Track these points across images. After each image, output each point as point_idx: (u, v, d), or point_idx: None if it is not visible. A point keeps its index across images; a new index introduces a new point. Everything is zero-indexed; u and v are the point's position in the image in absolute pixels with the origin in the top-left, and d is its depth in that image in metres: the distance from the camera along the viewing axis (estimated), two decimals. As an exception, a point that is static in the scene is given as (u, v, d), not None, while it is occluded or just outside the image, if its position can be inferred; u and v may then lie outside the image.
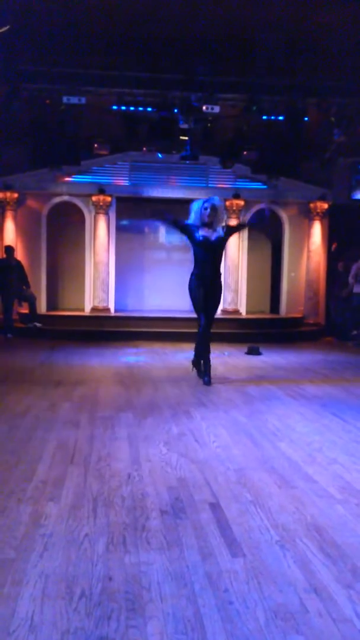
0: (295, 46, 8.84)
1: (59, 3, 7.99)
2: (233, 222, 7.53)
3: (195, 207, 6.99)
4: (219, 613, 2.29)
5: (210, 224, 6.90)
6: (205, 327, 7.07)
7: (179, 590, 2.44)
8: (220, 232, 6.96)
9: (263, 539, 2.93)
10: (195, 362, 7.32)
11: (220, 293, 7.31)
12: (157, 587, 2.46)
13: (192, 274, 7.11)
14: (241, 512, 3.26)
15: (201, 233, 6.92)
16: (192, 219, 6.99)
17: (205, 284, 7.02)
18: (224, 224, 7.04)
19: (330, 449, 4.46)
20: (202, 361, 7.18)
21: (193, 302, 7.11)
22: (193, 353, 7.37)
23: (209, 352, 7.15)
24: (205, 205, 6.90)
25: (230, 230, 7.25)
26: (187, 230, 7.02)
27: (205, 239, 6.92)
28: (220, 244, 7.05)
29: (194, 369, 7.34)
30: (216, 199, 7.09)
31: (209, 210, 6.86)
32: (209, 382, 6.96)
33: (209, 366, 7.11)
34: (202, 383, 6.99)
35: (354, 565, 2.67)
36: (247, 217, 7.35)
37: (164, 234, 14.29)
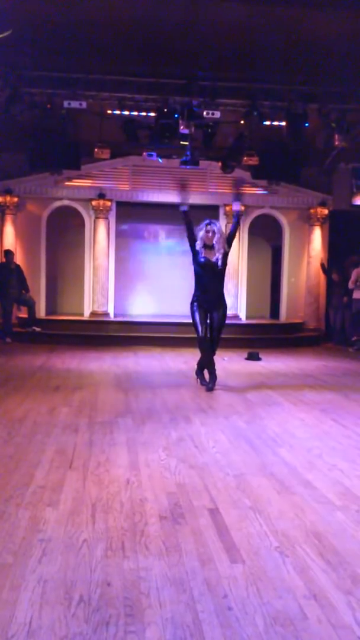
0: (296, 52, 8.84)
1: (59, 8, 8.00)
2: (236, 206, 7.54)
3: (199, 234, 7.02)
4: (218, 619, 2.28)
5: (211, 247, 6.97)
6: (212, 347, 7.14)
7: (178, 596, 2.43)
8: (219, 255, 6.98)
9: (262, 545, 2.92)
10: (198, 373, 7.36)
11: (225, 315, 7.25)
12: (156, 593, 2.45)
13: (193, 298, 7.13)
14: (240, 517, 3.25)
15: (203, 255, 7.00)
16: (198, 245, 7.02)
17: (209, 307, 7.06)
18: (223, 250, 7.01)
19: (330, 455, 4.45)
20: (204, 371, 7.24)
21: (194, 321, 7.08)
22: (196, 363, 7.41)
23: (213, 364, 7.16)
24: (208, 228, 6.98)
25: (228, 249, 7.16)
26: (192, 246, 7.04)
27: (207, 260, 7.00)
28: (223, 265, 7.08)
29: (198, 379, 7.36)
30: (217, 224, 7.20)
31: (210, 233, 6.95)
32: (212, 388, 6.97)
33: (215, 376, 7.10)
34: (205, 389, 6.98)
35: (353, 572, 2.66)
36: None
37: (164, 239, 14.31)
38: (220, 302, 7.16)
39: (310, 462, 4.27)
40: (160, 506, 3.38)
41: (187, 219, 7.11)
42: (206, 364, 7.18)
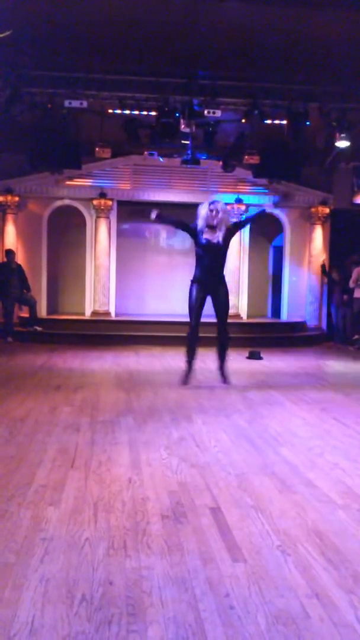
0: (296, 51, 8.84)
1: (59, 7, 8.00)
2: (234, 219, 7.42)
3: (202, 212, 6.90)
4: (220, 618, 2.28)
5: (214, 227, 6.84)
6: (223, 334, 7.15)
7: (180, 595, 2.44)
8: (221, 235, 6.88)
9: (264, 544, 2.92)
10: (188, 364, 7.20)
11: (228, 296, 7.17)
12: (158, 592, 2.45)
13: (193, 279, 7.04)
14: (242, 516, 3.25)
15: (205, 236, 6.87)
16: (200, 225, 6.90)
17: (210, 289, 6.97)
18: (225, 228, 6.92)
19: (332, 454, 4.45)
20: (190, 362, 7.14)
21: (190, 305, 7.03)
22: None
23: (224, 357, 7.21)
24: (212, 207, 6.84)
25: (232, 230, 7.06)
26: (189, 230, 6.98)
27: (208, 242, 6.87)
28: (225, 245, 6.97)
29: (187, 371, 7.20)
30: (222, 202, 7.07)
31: (214, 212, 6.80)
32: (228, 381, 7.10)
33: (225, 368, 7.18)
34: (183, 384, 7.03)
35: (355, 571, 2.67)
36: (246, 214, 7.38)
37: (165, 238, 14.31)
38: (221, 283, 7.04)
39: (311, 461, 4.27)
40: (162, 505, 3.38)
41: (166, 220, 7.23)
42: (191, 355, 7.10)
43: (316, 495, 3.59)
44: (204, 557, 2.77)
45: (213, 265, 6.97)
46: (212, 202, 6.94)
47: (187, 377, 7.12)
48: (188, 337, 7.12)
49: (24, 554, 2.76)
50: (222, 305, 7.07)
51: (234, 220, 7.07)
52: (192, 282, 7.04)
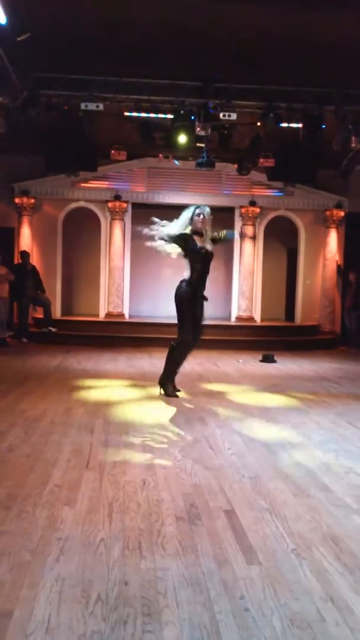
0: (312, 54, 8.83)
1: (76, 10, 8.05)
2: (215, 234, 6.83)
3: (185, 214, 6.59)
4: (235, 620, 2.29)
5: (201, 234, 6.54)
6: (196, 343, 6.76)
7: (195, 596, 2.44)
8: (209, 244, 6.58)
9: (279, 547, 2.92)
10: (168, 381, 6.78)
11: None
12: (173, 593, 2.46)
13: (187, 286, 6.58)
14: (256, 519, 3.25)
15: (198, 244, 6.53)
16: (178, 226, 6.54)
17: (201, 298, 6.64)
18: (212, 234, 6.62)
19: (346, 458, 4.44)
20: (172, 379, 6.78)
21: (188, 316, 6.57)
22: (168, 372, 6.82)
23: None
24: (198, 211, 6.53)
25: (213, 242, 6.68)
26: (183, 241, 6.52)
27: (204, 249, 6.55)
28: (212, 255, 6.70)
29: (165, 390, 6.73)
30: (208, 209, 6.66)
31: (201, 217, 6.50)
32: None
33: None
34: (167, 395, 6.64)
35: (370, 575, 2.66)
36: (224, 231, 6.85)
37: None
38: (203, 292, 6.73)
39: (326, 465, 4.26)
40: (176, 507, 3.39)
41: (168, 240, 6.62)
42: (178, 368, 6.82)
43: (331, 499, 3.58)
44: (219, 559, 2.77)
45: (205, 273, 6.65)
46: (199, 207, 6.60)
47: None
48: (189, 350, 6.82)
49: (40, 553, 2.78)
50: (202, 313, 6.72)
51: (214, 233, 6.72)
52: (187, 287, 6.58)
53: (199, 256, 6.54)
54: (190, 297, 6.57)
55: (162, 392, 6.71)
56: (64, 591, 2.46)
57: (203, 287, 6.68)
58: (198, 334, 6.73)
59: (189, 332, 6.62)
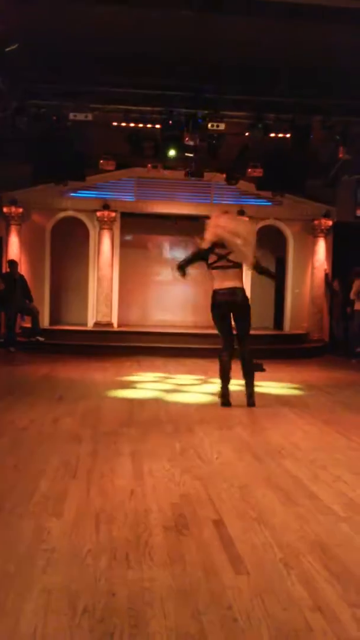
0: (300, 65, 8.92)
1: (65, 21, 8.09)
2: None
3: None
4: (223, 630, 2.27)
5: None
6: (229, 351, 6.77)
7: (183, 607, 2.42)
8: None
9: (267, 557, 2.91)
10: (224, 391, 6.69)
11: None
12: (160, 604, 2.44)
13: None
14: (245, 529, 3.24)
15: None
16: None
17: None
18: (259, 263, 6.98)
19: (335, 466, 4.44)
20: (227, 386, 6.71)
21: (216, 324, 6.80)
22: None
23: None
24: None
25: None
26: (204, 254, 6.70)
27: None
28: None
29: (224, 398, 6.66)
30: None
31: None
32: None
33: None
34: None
35: (358, 584, 2.65)
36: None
37: (167, 250, 14.37)
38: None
39: (314, 474, 4.26)
40: (164, 517, 3.37)
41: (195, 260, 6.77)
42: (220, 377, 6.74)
43: (319, 508, 3.58)
44: (207, 569, 2.75)
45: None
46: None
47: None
48: (220, 358, 6.76)
49: (26, 564, 2.76)
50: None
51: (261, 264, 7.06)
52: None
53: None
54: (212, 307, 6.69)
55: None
56: (51, 603, 2.44)
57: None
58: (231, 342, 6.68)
59: (222, 340, 6.68)
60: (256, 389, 6.83)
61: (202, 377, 8.99)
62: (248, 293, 12.48)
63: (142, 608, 2.41)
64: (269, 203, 13.07)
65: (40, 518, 3.30)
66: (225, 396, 6.64)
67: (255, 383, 6.83)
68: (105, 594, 2.51)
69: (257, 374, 9.04)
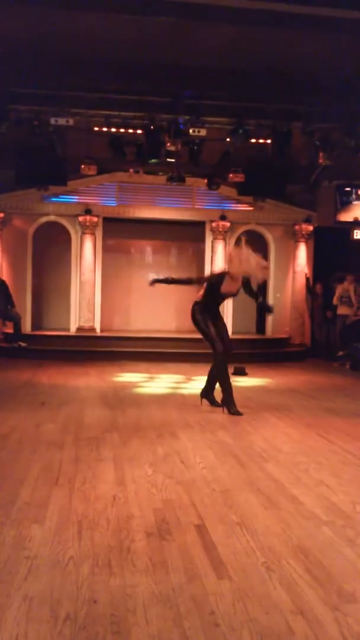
0: (281, 72, 8.98)
1: (45, 26, 8.08)
2: None
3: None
4: (205, 635, 2.27)
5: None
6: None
7: (165, 613, 2.42)
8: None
9: (249, 561, 2.92)
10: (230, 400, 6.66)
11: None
12: (142, 610, 2.44)
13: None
14: (227, 533, 3.24)
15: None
16: None
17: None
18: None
19: (317, 470, 4.47)
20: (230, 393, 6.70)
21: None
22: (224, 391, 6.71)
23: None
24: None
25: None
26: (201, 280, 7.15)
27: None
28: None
29: (229, 409, 6.59)
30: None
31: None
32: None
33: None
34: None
35: (339, 587, 2.67)
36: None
37: (150, 254, 14.37)
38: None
39: (296, 477, 4.28)
40: (146, 522, 3.36)
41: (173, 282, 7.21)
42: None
43: (301, 512, 3.60)
44: (189, 574, 2.76)
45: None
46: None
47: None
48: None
49: (7, 572, 2.74)
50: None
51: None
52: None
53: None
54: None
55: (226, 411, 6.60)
56: (32, 610, 2.42)
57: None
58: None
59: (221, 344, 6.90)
60: (238, 393, 6.84)
61: (185, 381, 8.99)
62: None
63: (125, 615, 2.40)
64: (250, 208, 13.13)
65: (22, 525, 3.28)
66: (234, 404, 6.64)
67: (236, 386, 6.83)
68: (87, 601, 2.50)
69: (239, 378, 9.08)
